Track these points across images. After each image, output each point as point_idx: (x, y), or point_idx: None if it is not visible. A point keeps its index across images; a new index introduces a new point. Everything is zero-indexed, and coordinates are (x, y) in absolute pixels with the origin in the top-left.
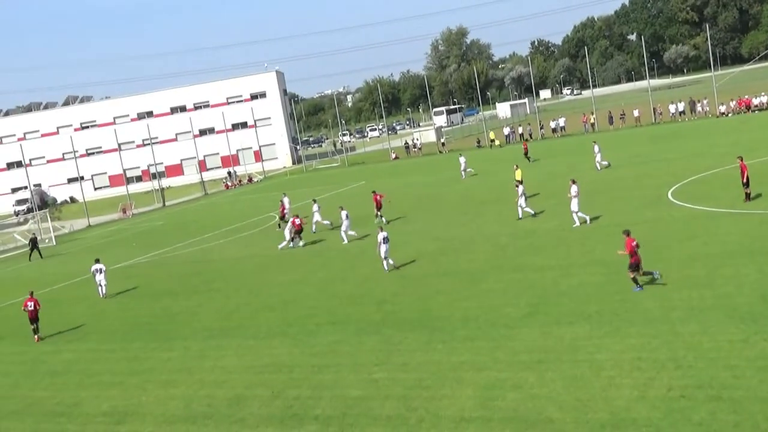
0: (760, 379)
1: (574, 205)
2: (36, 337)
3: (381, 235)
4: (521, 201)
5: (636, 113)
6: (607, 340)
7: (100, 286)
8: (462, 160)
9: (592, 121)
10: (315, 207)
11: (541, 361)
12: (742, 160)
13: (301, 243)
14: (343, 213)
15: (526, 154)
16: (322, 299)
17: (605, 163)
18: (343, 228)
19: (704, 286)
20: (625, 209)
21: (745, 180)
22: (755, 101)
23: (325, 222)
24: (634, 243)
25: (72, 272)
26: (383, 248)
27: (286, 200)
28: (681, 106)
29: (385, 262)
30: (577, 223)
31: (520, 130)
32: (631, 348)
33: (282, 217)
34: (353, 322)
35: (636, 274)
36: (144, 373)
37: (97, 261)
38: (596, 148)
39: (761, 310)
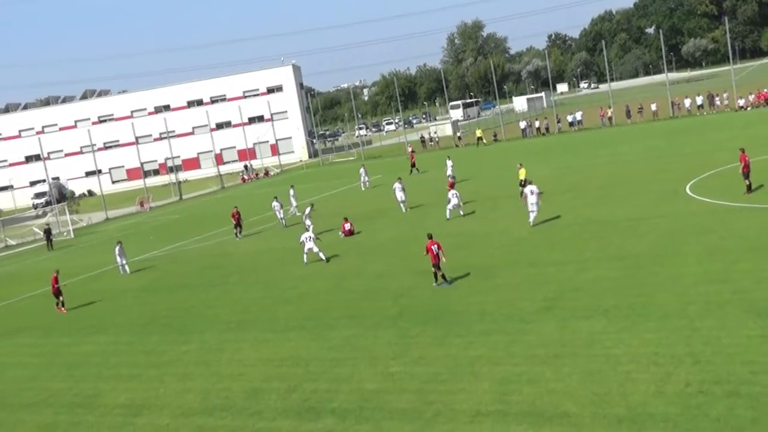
0: None
1: (451, 203)
2: (62, 309)
3: (305, 235)
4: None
5: (654, 107)
6: (623, 334)
7: (122, 266)
8: (362, 170)
9: (609, 115)
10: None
11: (557, 356)
12: (743, 152)
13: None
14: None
15: (413, 166)
16: (338, 293)
17: (451, 174)
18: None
19: (722, 281)
20: (642, 203)
21: (745, 171)
22: None
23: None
24: (434, 246)
25: (90, 265)
26: (307, 246)
27: (235, 210)
28: (699, 100)
29: (305, 256)
30: (449, 217)
31: (537, 123)
32: (648, 343)
33: (237, 224)
34: (370, 316)
35: (437, 271)
36: (161, 365)
37: (119, 243)
38: (449, 163)
39: None
